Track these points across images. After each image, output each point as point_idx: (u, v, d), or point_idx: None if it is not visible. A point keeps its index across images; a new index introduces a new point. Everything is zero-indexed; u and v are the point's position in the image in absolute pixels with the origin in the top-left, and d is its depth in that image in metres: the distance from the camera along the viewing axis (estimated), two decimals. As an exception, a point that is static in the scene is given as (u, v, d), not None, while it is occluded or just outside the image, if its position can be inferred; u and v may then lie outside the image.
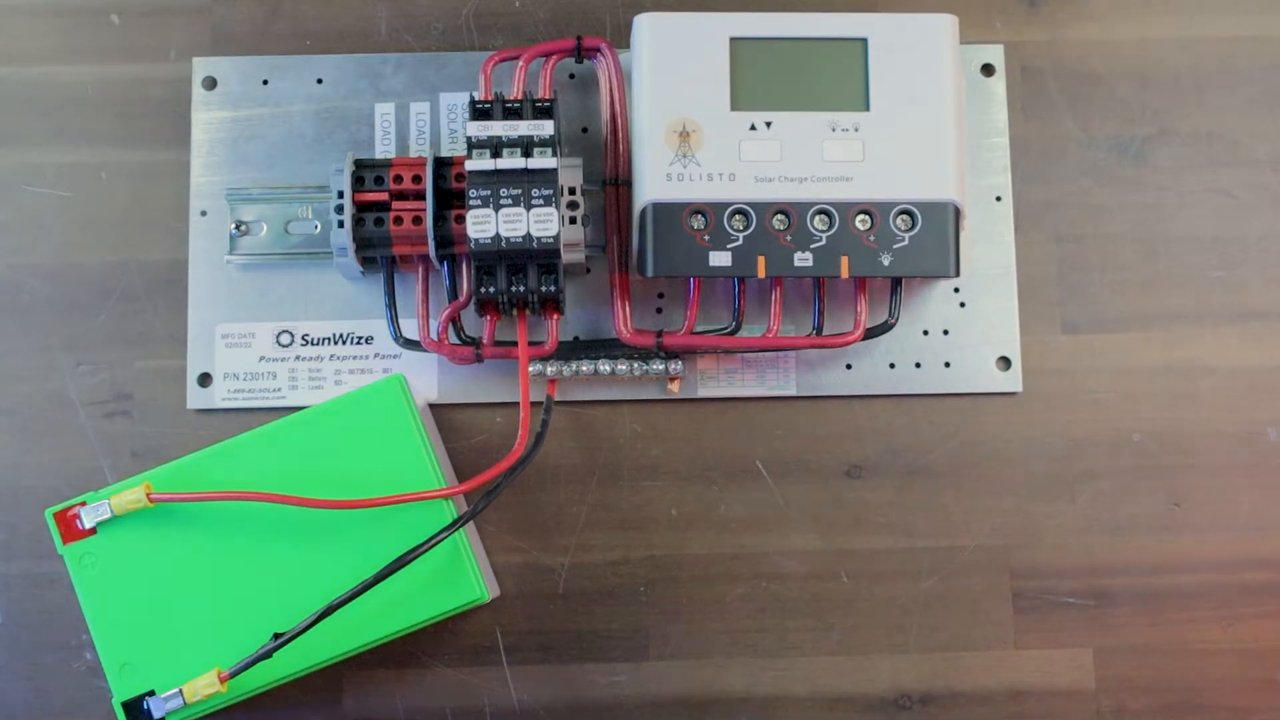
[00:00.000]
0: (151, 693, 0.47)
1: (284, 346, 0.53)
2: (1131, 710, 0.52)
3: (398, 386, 0.49)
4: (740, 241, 0.49)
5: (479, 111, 0.49)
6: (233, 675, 0.46)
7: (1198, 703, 0.52)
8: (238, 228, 0.53)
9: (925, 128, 0.50)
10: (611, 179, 0.52)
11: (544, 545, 0.53)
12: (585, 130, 0.54)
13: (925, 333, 0.54)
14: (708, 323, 0.53)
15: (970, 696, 0.52)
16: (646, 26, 0.50)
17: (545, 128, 0.49)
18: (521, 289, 0.49)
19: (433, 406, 0.53)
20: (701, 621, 0.53)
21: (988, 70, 0.55)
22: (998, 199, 0.55)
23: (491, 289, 0.49)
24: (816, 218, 0.49)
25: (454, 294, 0.51)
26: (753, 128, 0.50)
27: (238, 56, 0.55)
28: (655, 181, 0.49)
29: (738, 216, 0.49)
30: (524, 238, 0.48)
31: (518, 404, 0.52)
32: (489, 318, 0.51)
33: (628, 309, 0.52)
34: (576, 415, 0.53)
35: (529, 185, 0.48)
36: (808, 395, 0.53)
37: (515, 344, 0.51)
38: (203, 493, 0.47)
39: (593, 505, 0.53)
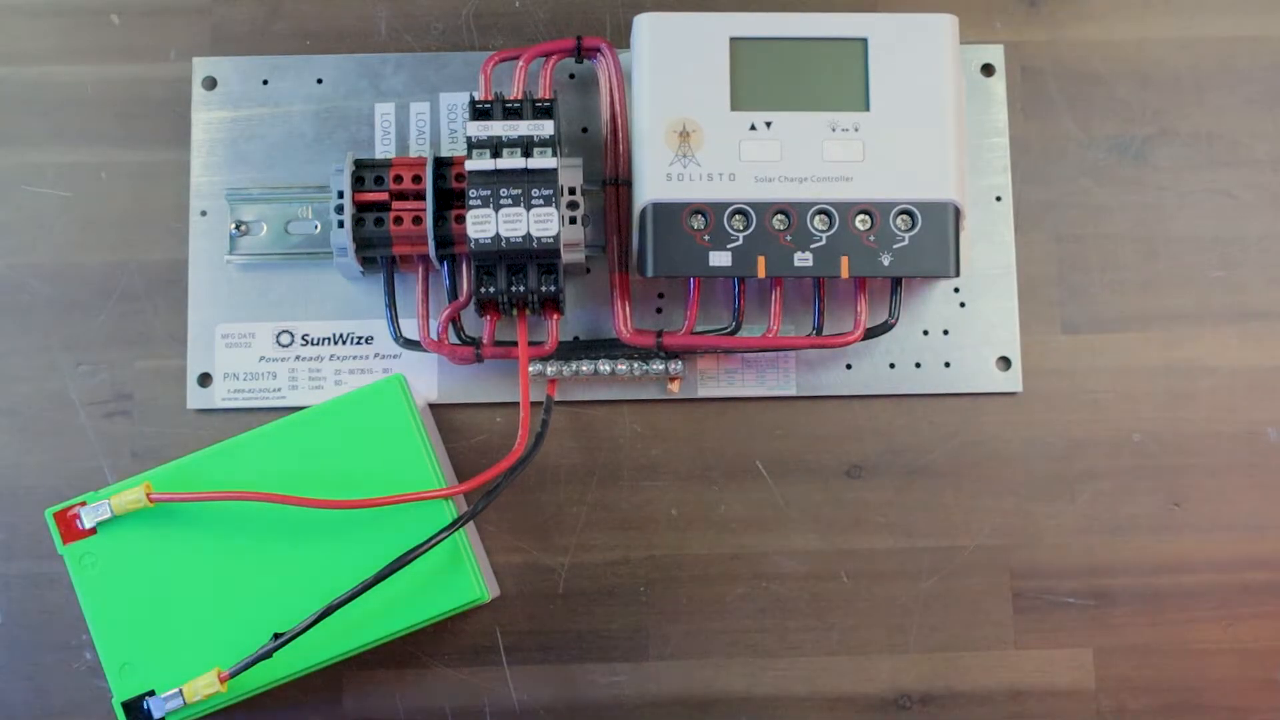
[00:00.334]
0: (151, 693, 0.47)
1: (284, 346, 0.53)
2: (1131, 710, 0.52)
3: (398, 386, 0.49)
4: (740, 241, 0.49)
5: (479, 111, 0.49)
6: (233, 675, 0.46)
7: (1198, 703, 0.52)
8: (238, 228, 0.53)
9: (925, 128, 0.50)
10: (611, 179, 0.52)
11: (544, 545, 0.53)
12: (585, 130, 0.54)
13: (925, 333, 0.54)
14: (708, 323, 0.53)
15: (970, 696, 0.52)
16: (646, 26, 0.50)
17: (545, 128, 0.49)
18: (521, 289, 0.49)
19: (433, 406, 0.53)
20: (701, 621, 0.53)
21: (988, 70, 0.55)
22: (998, 199, 0.55)
23: (491, 289, 0.49)
24: (816, 218, 0.49)
25: (454, 294, 0.51)
26: (753, 128, 0.50)
27: (238, 56, 0.55)
28: (655, 181, 0.49)
29: (738, 216, 0.49)
30: (524, 238, 0.48)
31: (518, 404, 0.52)
32: (489, 318, 0.51)
33: (628, 309, 0.52)
34: (576, 415, 0.53)
35: (529, 185, 0.48)
36: (808, 395, 0.53)
37: (515, 344, 0.51)
38: (203, 493, 0.47)
39: (593, 505, 0.53)
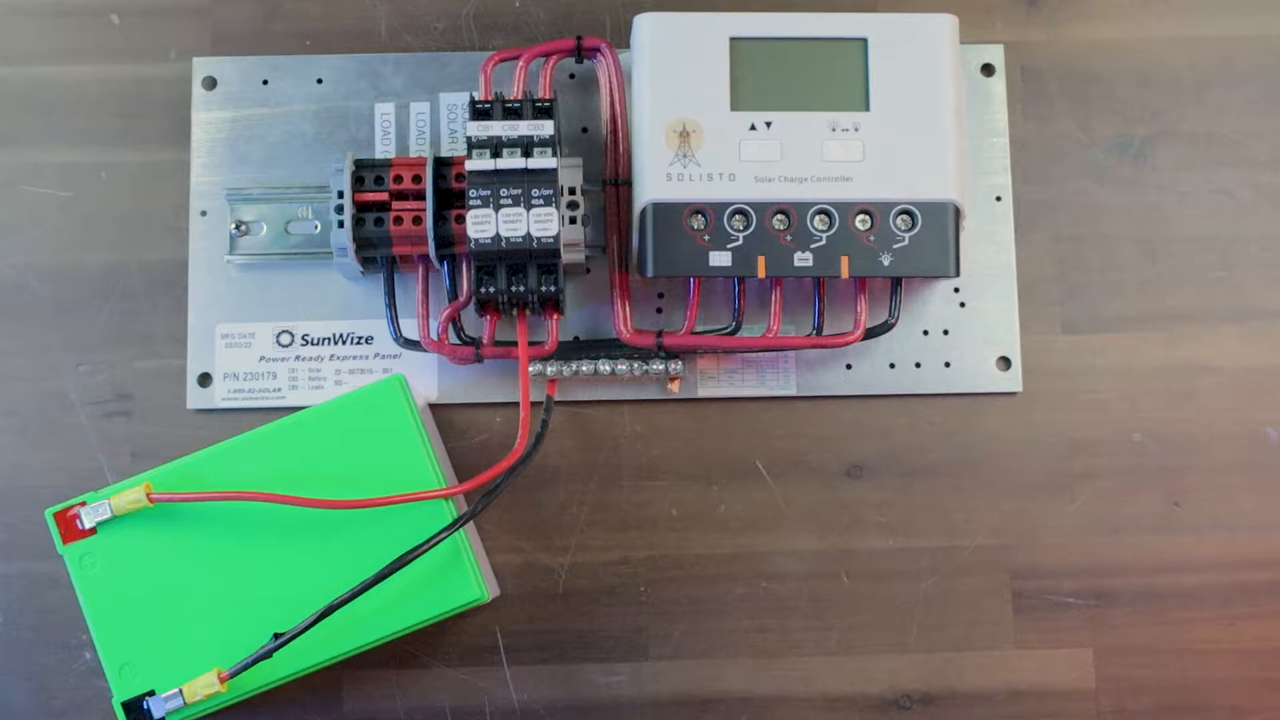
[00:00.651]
0: (151, 693, 0.47)
1: (284, 346, 0.53)
2: (1131, 710, 0.52)
3: (398, 386, 0.49)
4: (740, 241, 0.49)
5: (479, 111, 0.49)
6: (233, 675, 0.46)
7: (1198, 703, 0.52)
8: (238, 228, 0.53)
9: (925, 128, 0.50)
10: (611, 179, 0.52)
11: (544, 545, 0.53)
12: (585, 130, 0.54)
13: (925, 333, 0.54)
14: (708, 323, 0.53)
15: (970, 696, 0.52)
16: (646, 26, 0.50)
17: (545, 128, 0.49)
18: (521, 289, 0.49)
19: (433, 406, 0.53)
20: (701, 621, 0.53)
21: (988, 70, 0.55)
22: (998, 199, 0.55)
23: (491, 289, 0.49)
24: (816, 218, 0.49)
25: (454, 294, 0.51)
26: (753, 128, 0.50)
27: (238, 56, 0.55)
28: (655, 181, 0.49)
29: (738, 216, 0.49)
30: (524, 238, 0.48)
31: (518, 404, 0.52)
32: (489, 318, 0.51)
33: (628, 309, 0.52)
34: (576, 415, 0.53)
35: (529, 185, 0.48)
36: (808, 395, 0.53)
37: (515, 344, 0.51)
38: (203, 493, 0.47)
39: (593, 505, 0.53)
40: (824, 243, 0.49)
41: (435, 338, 0.51)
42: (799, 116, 0.50)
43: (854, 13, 0.51)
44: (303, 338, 0.53)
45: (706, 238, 0.49)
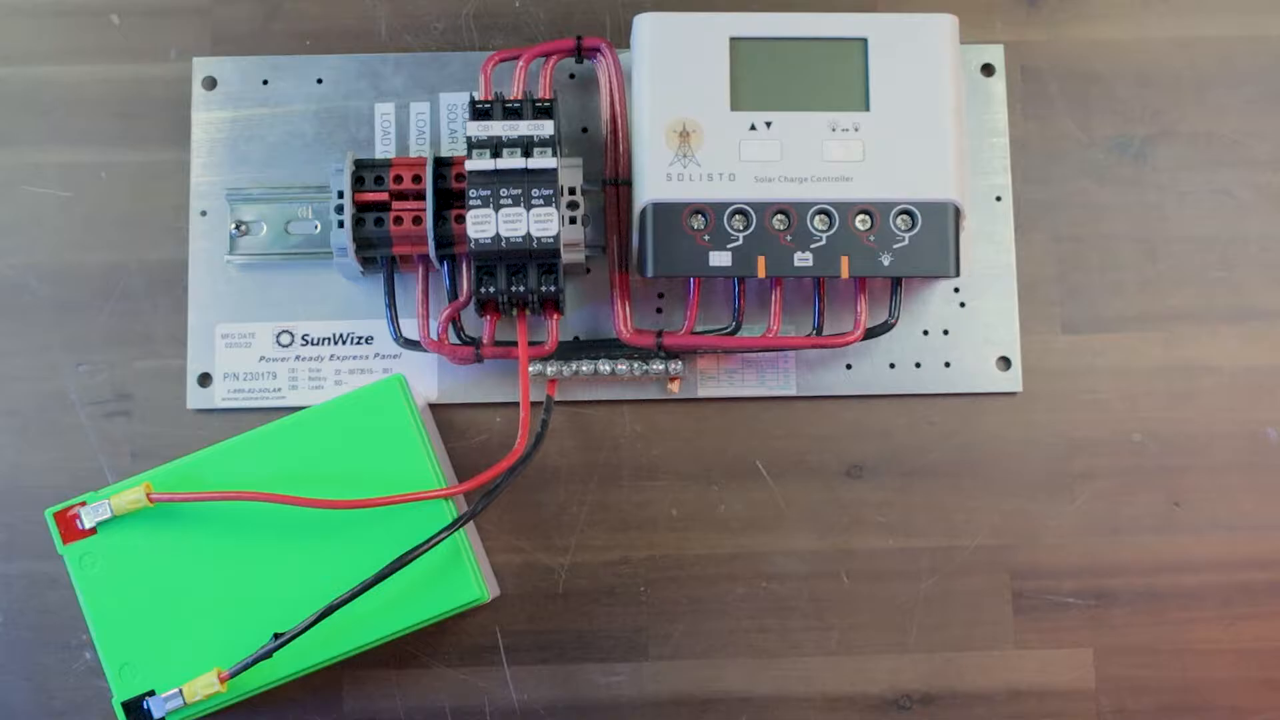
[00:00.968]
0: (151, 693, 0.47)
1: (284, 346, 0.53)
2: (1131, 710, 0.52)
3: (398, 386, 0.49)
4: (740, 241, 0.49)
5: (479, 111, 0.49)
6: (233, 675, 0.46)
7: (1198, 703, 0.52)
8: (238, 228, 0.53)
9: (925, 128, 0.50)
10: (611, 179, 0.52)
11: (544, 545, 0.53)
12: (585, 130, 0.54)
13: (925, 333, 0.54)
14: (708, 323, 0.53)
15: (970, 696, 0.52)
16: (646, 26, 0.50)
17: (545, 128, 0.49)
18: (521, 289, 0.49)
19: (433, 406, 0.53)
20: (701, 621, 0.53)
21: (988, 70, 0.55)
22: (998, 199, 0.55)
23: (491, 289, 0.49)
24: (816, 218, 0.49)
25: (454, 294, 0.51)
26: (753, 128, 0.50)
27: (238, 56, 0.55)
28: (655, 181, 0.49)
29: (738, 216, 0.49)
30: (524, 238, 0.48)
31: (518, 404, 0.52)
32: (489, 318, 0.51)
33: (628, 309, 0.52)
34: (576, 415, 0.53)
35: (529, 185, 0.48)
36: (808, 395, 0.53)
37: (515, 344, 0.51)
38: (203, 493, 0.47)
39: (593, 505, 0.53)
40: (824, 243, 0.49)
41: (435, 338, 0.51)
42: (799, 116, 0.50)
43: (854, 13, 0.51)
44: (303, 338, 0.53)
45: (706, 238, 0.49)
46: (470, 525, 0.50)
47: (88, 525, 0.47)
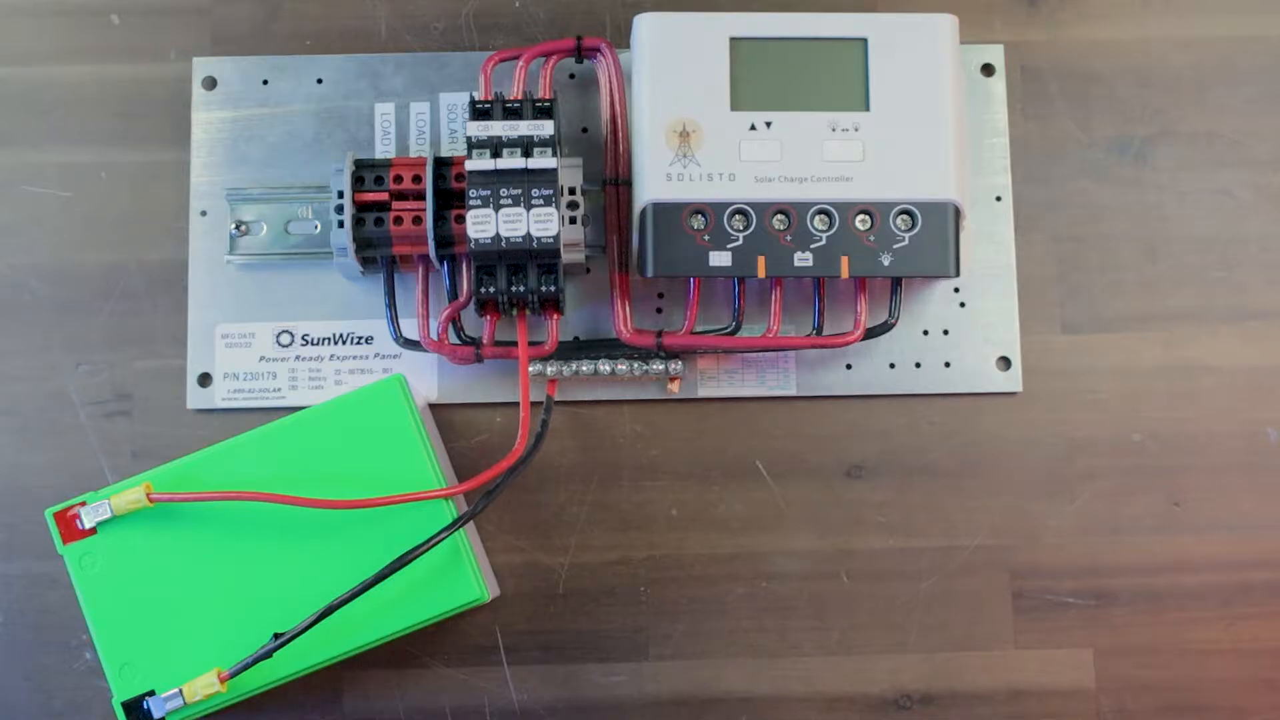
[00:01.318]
0: (151, 693, 0.47)
1: (284, 346, 0.53)
2: (1131, 710, 0.52)
3: (398, 386, 0.49)
4: (740, 241, 0.49)
5: (479, 111, 0.49)
6: (233, 675, 0.46)
7: (1198, 703, 0.52)
8: (238, 228, 0.53)
9: (925, 128, 0.50)
10: (611, 179, 0.52)
11: (544, 545, 0.53)
12: (585, 130, 0.54)
13: (925, 333, 0.54)
14: (708, 323, 0.53)
15: (970, 696, 0.52)
16: (646, 26, 0.50)
17: (545, 128, 0.49)
18: (521, 289, 0.49)
19: (433, 406, 0.53)
20: (701, 621, 0.53)
21: (988, 70, 0.55)
22: (998, 199, 0.55)
23: (491, 289, 0.49)
24: (816, 218, 0.49)
25: (454, 294, 0.51)
26: (753, 128, 0.50)
27: (238, 56, 0.55)
28: (655, 181, 0.49)
29: (738, 216, 0.49)
30: (524, 238, 0.48)
31: (518, 404, 0.52)
32: (489, 318, 0.51)
33: (628, 309, 0.52)
34: (576, 415, 0.53)
35: (529, 185, 0.48)
36: (808, 395, 0.53)
37: (515, 344, 0.51)
38: (203, 493, 0.47)
39: (593, 505, 0.53)
40: (824, 243, 0.49)
41: (435, 338, 0.51)
42: (799, 116, 0.50)
43: (854, 13, 0.51)
44: (303, 338, 0.53)
45: (706, 238, 0.49)
46: (470, 525, 0.50)
47: (88, 525, 0.47)
